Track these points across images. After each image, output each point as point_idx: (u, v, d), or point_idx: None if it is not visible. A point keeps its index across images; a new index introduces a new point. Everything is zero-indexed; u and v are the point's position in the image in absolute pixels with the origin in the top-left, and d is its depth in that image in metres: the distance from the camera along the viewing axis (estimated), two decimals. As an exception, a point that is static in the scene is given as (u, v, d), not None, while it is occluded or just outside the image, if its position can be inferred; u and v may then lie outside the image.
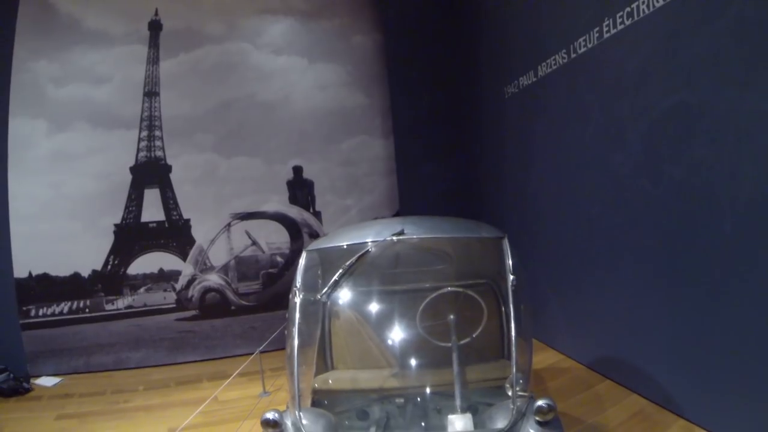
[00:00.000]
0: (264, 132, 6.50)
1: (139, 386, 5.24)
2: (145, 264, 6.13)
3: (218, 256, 6.35)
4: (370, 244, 2.98)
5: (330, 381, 3.22)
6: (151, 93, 6.18)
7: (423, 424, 2.66)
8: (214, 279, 6.29)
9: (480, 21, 6.59)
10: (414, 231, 3.01)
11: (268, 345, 5.01)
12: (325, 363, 3.40)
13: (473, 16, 6.73)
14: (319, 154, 6.67)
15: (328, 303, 3.34)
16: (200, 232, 6.29)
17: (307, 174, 6.66)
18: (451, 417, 2.36)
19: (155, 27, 6.22)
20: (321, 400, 2.98)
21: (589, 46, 4.26)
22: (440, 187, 7.24)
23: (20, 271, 5.74)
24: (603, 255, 4.30)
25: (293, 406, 2.43)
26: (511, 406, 2.33)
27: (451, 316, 2.70)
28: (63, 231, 5.86)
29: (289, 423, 2.35)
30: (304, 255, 3.13)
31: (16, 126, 5.77)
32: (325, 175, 6.71)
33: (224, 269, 6.34)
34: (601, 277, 4.33)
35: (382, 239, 2.95)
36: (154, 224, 6.17)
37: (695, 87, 3.19)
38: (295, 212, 6.62)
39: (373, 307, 3.33)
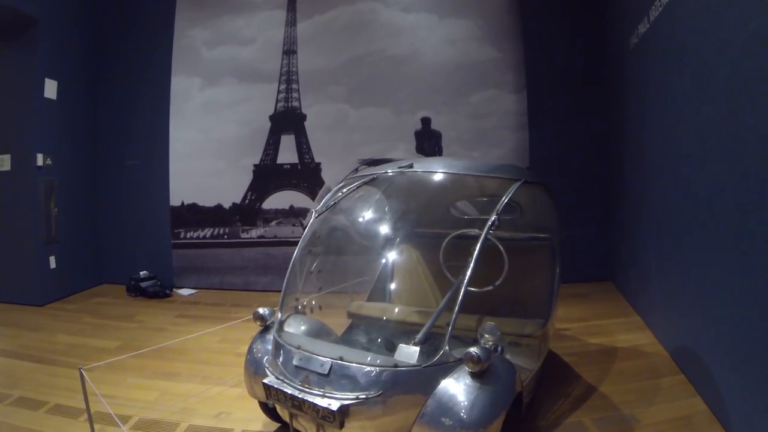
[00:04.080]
0: (393, 84, 6.65)
1: (254, 303, 5.51)
2: (277, 200, 6.65)
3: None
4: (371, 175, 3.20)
5: (362, 307, 3.51)
6: (289, 51, 6.68)
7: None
8: (339, 218, 6.42)
9: None
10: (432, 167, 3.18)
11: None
12: (383, 294, 3.71)
13: None
14: (447, 107, 6.63)
15: (397, 239, 3.58)
16: (329, 175, 6.60)
17: (435, 125, 6.63)
18: (401, 345, 2.46)
19: (293, -7, 6.76)
20: (356, 323, 3.37)
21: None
22: (572, 144, 6.73)
23: (175, 200, 6.70)
24: (715, 234, 3.01)
25: (280, 308, 2.84)
26: (446, 347, 2.35)
27: (470, 259, 2.62)
28: (210, 168, 6.66)
29: (274, 320, 2.82)
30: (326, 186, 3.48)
31: (176, 82, 6.79)
32: (452, 127, 6.64)
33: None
34: (707, 258, 3.13)
35: (390, 171, 3.14)
36: (288, 166, 6.65)
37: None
38: (421, 161, 6.61)
39: (430, 249, 3.67)
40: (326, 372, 2.33)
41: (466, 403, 2.21)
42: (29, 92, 5.91)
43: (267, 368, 2.56)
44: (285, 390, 2.36)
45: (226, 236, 6.61)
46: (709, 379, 2.95)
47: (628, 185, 5.30)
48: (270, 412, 2.76)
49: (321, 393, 2.28)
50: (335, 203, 3.16)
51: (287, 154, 6.63)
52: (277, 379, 2.45)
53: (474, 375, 2.28)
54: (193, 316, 5.34)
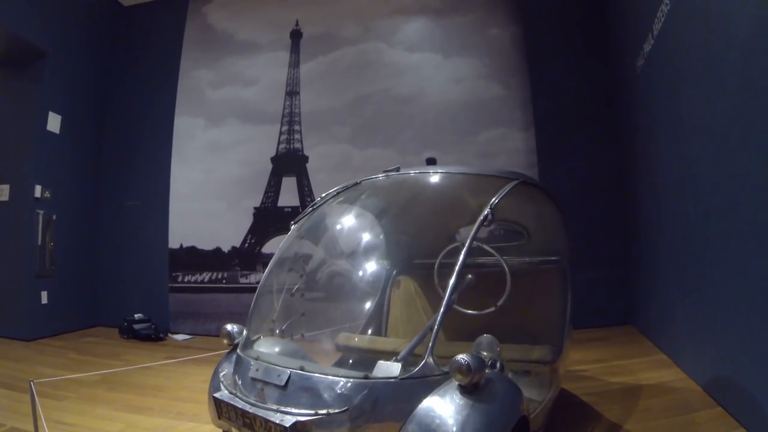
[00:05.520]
0: (398, 124, 6.54)
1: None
2: (278, 244, 6.24)
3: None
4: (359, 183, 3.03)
5: (350, 339, 3.09)
6: (292, 92, 6.66)
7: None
8: (342, 264, 6.20)
9: (621, 8, 5.90)
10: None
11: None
12: (378, 326, 3.43)
13: (614, 3, 6.14)
14: (454, 146, 6.48)
15: (393, 274, 3.43)
16: (332, 218, 6.35)
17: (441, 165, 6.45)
18: (380, 362, 2.04)
19: (296, 35, 6.84)
20: (345, 356, 2.88)
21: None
22: (584, 182, 6.47)
23: (174, 242, 6.55)
24: (740, 258, 2.85)
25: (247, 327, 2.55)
26: (428, 358, 1.96)
27: (469, 276, 2.43)
28: (211, 209, 6.54)
29: (239, 339, 2.51)
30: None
31: (180, 123, 6.76)
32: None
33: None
34: (734, 285, 2.97)
35: (374, 177, 3.00)
36: (289, 209, 6.48)
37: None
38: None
39: (428, 280, 3.30)
40: (283, 383, 1.97)
41: (454, 425, 1.79)
42: (32, 124, 5.95)
43: (221, 382, 2.26)
44: (236, 405, 2.02)
45: (224, 281, 6.41)
46: (755, 408, 2.62)
47: (644, 219, 5.06)
48: None
49: (276, 408, 1.92)
50: (314, 210, 2.95)
51: (288, 196, 6.49)
52: (230, 393, 2.13)
53: (464, 390, 1.87)
54: (183, 359, 5.06)
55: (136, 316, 6.00)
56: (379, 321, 3.50)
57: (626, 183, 5.74)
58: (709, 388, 3.32)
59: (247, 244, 6.38)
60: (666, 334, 4.42)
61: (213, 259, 6.42)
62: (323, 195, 3.10)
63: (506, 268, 2.60)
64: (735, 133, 2.73)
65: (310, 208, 3.03)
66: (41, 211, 5.89)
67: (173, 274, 6.47)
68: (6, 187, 5.90)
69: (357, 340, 3.12)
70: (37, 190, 5.85)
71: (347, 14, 6.83)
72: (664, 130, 4.17)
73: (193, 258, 6.44)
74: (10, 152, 5.96)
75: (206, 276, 6.42)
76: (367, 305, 3.24)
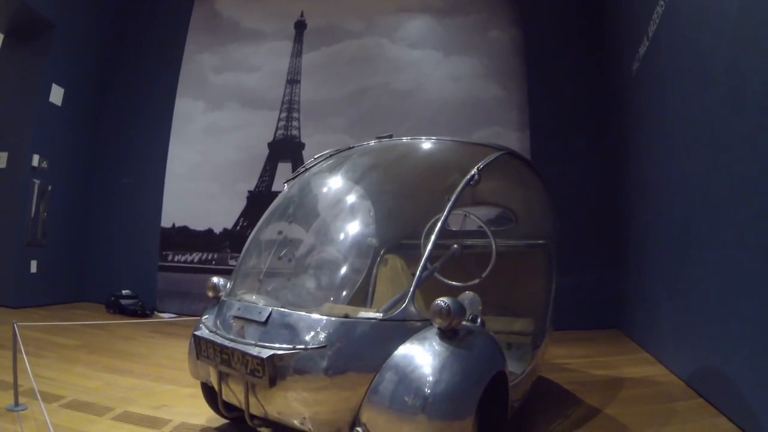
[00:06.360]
0: (395, 118, 6.60)
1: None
2: (269, 229, 6.29)
3: (341, 229, 6.37)
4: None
5: (334, 309, 3.12)
6: (293, 81, 6.74)
7: None
8: (332, 253, 6.23)
9: (617, 12, 6.01)
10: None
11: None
12: (363, 299, 3.36)
13: (611, 8, 6.25)
14: (448, 142, 6.54)
15: (382, 251, 3.38)
16: (325, 206, 6.40)
17: (436, 161, 6.53)
18: (362, 311, 2.13)
19: (300, 26, 6.93)
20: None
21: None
22: (576, 184, 6.52)
23: (166, 221, 6.55)
24: (727, 257, 2.89)
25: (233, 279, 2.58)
26: (409, 302, 1.98)
27: (455, 246, 2.63)
28: (205, 191, 6.55)
29: (223, 291, 2.51)
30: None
31: (181, 104, 6.80)
32: (454, 164, 6.52)
33: (344, 242, 6.32)
34: (717, 284, 3.04)
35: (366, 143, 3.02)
36: None
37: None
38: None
39: (417, 259, 3.23)
40: (264, 319, 1.96)
41: (431, 370, 1.77)
42: (35, 94, 6.01)
43: (202, 323, 2.27)
44: (215, 340, 2.00)
45: (214, 261, 6.41)
46: (736, 398, 2.64)
47: (633, 223, 5.09)
48: (215, 404, 2.47)
49: (254, 343, 1.91)
50: (306, 170, 3.00)
51: (283, 181, 6.47)
52: (210, 332, 2.11)
53: (444, 336, 1.87)
54: (167, 332, 5.10)
55: (123, 291, 5.98)
56: (365, 296, 3.51)
57: (617, 187, 5.79)
58: (692, 381, 3.34)
59: (239, 227, 6.39)
60: (651, 335, 4.44)
61: (204, 240, 6.42)
62: (315, 156, 3.15)
63: (492, 239, 2.64)
64: (722, 137, 2.79)
65: (303, 169, 3.07)
66: (37, 181, 5.92)
67: (164, 253, 6.47)
68: (4, 155, 5.94)
69: (341, 311, 3.16)
70: (35, 160, 5.88)
71: (352, 9, 6.94)
72: (654, 134, 4.24)
73: (184, 238, 6.44)
74: (11, 121, 6.00)
75: (196, 256, 6.42)
76: (354, 280, 3.28)
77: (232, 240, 6.40)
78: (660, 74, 4.03)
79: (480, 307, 2.27)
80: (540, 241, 3.45)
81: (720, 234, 2.86)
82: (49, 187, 6.11)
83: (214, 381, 2.14)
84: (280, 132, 6.61)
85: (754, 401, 2.44)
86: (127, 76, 7.04)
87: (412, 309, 1.96)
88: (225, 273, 6.17)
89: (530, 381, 2.75)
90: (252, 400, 1.93)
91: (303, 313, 1.98)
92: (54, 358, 3.67)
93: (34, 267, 5.90)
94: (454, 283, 2.69)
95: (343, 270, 2.97)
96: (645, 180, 4.61)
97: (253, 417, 2.00)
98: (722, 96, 2.76)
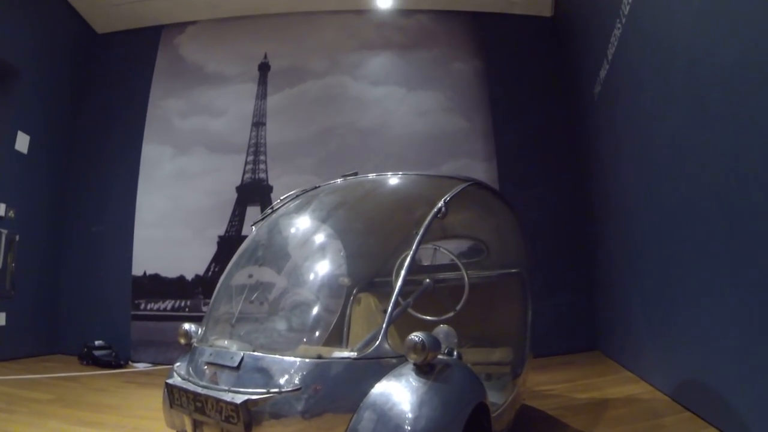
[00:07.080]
0: (362, 155, 6.71)
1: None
2: (239, 273, 6.34)
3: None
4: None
5: (309, 351, 3.14)
6: (258, 123, 6.83)
7: None
8: (304, 294, 6.28)
9: (576, 39, 6.19)
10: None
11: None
12: (339, 339, 3.28)
13: (570, 35, 6.42)
14: (416, 177, 6.62)
15: (354, 290, 3.38)
16: (295, 248, 6.47)
17: (403, 197, 6.61)
18: (336, 351, 2.12)
19: (264, 68, 7.05)
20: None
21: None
22: (548, 210, 6.65)
23: (137, 269, 6.58)
24: (707, 269, 3.02)
25: (204, 325, 2.55)
26: (382, 339, 2.00)
27: (427, 280, 2.67)
28: (176, 237, 6.62)
29: (195, 337, 2.44)
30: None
31: (147, 150, 6.86)
32: (422, 198, 6.60)
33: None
34: (695, 296, 3.20)
35: (332, 181, 3.06)
36: None
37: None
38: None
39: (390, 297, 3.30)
40: (236, 364, 1.98)
41: (410, 406, 1.79)
42: (1, 142, 5.94)
43: (175, 371, 2.26)
44: (187, 388, 2.01)
45: (187, 308, 6.48)
46: (723, 407, 2.81)
47: (606, 243, 5.38)
48: None
49: (227, 389, 1.90)
50: (273, 211, 3.02)
51: (251, 224, 6.54)
52: (183, 379, 2.13)
53: (420, 371, 1.89)
54: (142, 382, 5.13)
55: (96, 342, 6.00)
56: (340, 336, 3.52)
57: (586, 209, 5.98)
58: (677, 395, 3.50)
59: (210, 273, 6.47)
60: (632, 353, 4.64)
61: (176, 287, 6.48)
62: (282, 197, 3.17)
63: (464, 272, 2.73)
64: (684, 150, 2.99)
65: (270, 210, 3.09)
66: (4, 231, 5.87)
67: (136, 302, 6.50)
68: (-30, 204, 5.90)
69: (314, 352, 3.17)
70: (2, 209, 5.84)
71: (314, 48, 7.05)
72: (618, 155, 4.48)
73: (156, 285, 6.49)
74: (-23, 169, 5.94)
75: (169, 304, 6.48)
76: (328, 320, 3.26)
77: (205, 286, 6.47)
78: (621, 95, 4.33)
79: (455, 340, 2.34)
80: (513, 270, 3.50)
81: (688, 246, 3.07)
82: (17, 237, 6.04)
83: (189, 430, 2.14)
84: (247, 175, 6.69)
85: (742, 409, 2.63)
86: (94, 122, 7.06)
87: (386, 346, 1.99)
88: (198, 320, 6.21)
89: (513, 410, 2.85)
90: None
91: (276, 356, 1.99)
92: (26, 413, 3.65)
93: (3, 319, 5.86)
94: (428, 317, 2.74)
95: (316, 311, 2.97)
96: (610, 200, 4.80)
97: None
98: (683, 110, 2.98)
